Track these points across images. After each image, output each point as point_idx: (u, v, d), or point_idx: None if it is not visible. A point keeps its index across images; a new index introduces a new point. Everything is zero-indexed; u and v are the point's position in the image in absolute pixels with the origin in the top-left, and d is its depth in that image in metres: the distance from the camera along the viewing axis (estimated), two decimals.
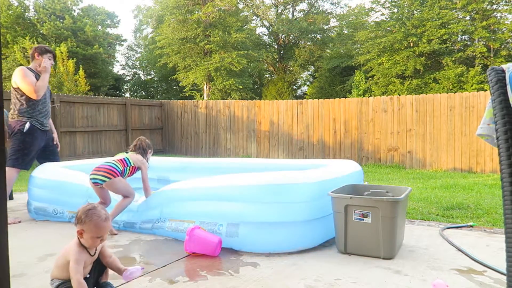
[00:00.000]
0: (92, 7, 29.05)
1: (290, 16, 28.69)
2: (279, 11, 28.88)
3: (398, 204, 3.04)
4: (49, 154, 4.82)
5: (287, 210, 3.25)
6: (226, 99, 18.30)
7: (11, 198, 5.44)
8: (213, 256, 3.14)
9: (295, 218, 3.27)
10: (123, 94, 32.05)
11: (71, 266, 2.13)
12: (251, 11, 27.06)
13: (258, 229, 3.26)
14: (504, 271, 1.47)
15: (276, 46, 29.16)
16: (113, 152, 11.28)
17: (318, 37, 27.47)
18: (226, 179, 3.60)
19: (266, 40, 29.40)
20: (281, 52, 28.54)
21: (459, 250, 3.27)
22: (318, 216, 3.37)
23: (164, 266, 2.97)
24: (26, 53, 18.15)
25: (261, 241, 3.27)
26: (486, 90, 12.62)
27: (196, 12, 23.09)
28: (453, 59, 17.98)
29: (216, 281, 2.67)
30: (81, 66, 18.75)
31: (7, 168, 4.19)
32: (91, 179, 3.90)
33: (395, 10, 20.36)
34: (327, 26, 28.21)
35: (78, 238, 2.22)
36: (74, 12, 27.43)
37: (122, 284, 2.54)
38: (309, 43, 27.39)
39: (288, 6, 28.70)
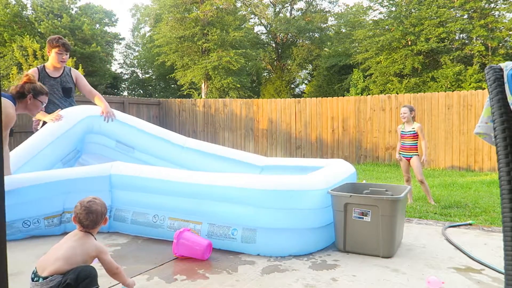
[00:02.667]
0: (90, 5, 29.00)
1: (288, 14, 28.68)
2: (277, 9, 28.88)
3: (398, 203, 3.04)
4: None
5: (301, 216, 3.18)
6: (224, 98, 18.28)
7: None
8: (202, 260, 3.03)
9: (311, 224, 3.23)
10: (121, 93, 32.00)
11: (110, 260, 2.27)
12: (249, 9, 27.04)
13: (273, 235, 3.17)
14: (502, 270, 1.48)
15: (274, 45, 29.15)
16: None
17: (316, 35, 27.48)
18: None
19: (264, 39, 29.39)
20: (279, 50, 28.53)
21: (457, 248, 3.27)
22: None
23: (162, 264, 2.97)
24: (24, 52, 18.09)
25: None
26: (484, 88, 12.65)
27: (194, 11, 23.05)
28: (451, 57, 18.00)
29: (214, 280, 2.66)
30: (80, 64, 18.71)
31: None
32: None
33: (393, 9, 20.38)
34: (325, 25, 28.23)
35: (91, 233, 2.31)
36: (72, 10, 27.37)
37: (117, 283, 2.49)
38: (307, 42, 27.40)
39: (286, 5, 28.70)
